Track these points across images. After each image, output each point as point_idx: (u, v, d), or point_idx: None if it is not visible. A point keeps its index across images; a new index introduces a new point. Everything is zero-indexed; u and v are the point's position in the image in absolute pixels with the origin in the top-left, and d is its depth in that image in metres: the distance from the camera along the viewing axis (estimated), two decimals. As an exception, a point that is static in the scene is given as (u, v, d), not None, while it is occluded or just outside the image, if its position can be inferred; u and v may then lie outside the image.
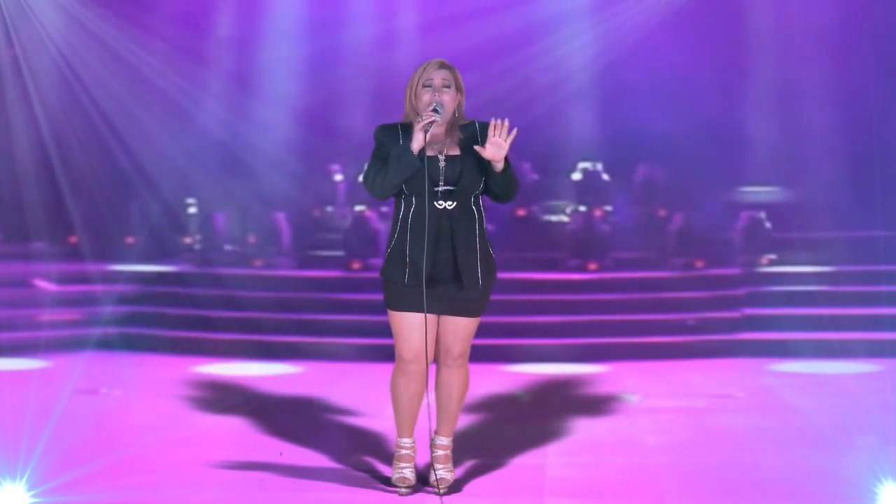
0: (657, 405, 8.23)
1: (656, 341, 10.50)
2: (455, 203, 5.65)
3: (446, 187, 5.65)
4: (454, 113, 5.69)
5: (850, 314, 10.50)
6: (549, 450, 6.83)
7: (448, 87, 5.66)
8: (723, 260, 12.01)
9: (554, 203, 13.20)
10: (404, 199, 5.71)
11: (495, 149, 5.57)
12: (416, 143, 5.55)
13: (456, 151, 5.68)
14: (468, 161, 5.64)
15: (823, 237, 11.90)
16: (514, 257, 11.46)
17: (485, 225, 5.76)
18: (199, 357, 10.10)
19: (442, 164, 5.66)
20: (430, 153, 5.66)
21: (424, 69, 5.69)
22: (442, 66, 5.69)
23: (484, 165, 5.67)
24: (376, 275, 5.85)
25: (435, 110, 5.57)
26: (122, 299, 11.12)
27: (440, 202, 5.66)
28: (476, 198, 5.71)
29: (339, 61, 12.79)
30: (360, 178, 5.74)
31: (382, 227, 11.82)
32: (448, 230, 5.64)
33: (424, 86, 5.66)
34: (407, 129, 5.70)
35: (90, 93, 12.25)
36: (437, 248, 5.65)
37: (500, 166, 5.61)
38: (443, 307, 5.70)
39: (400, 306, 5.70)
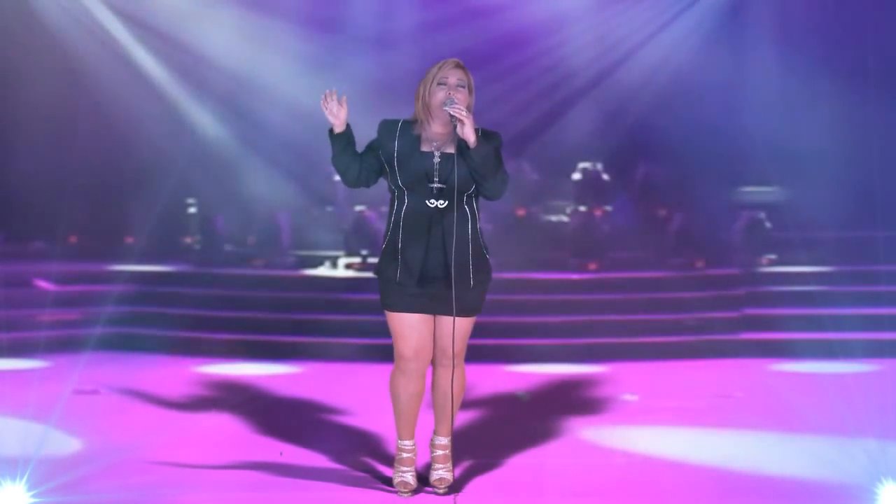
0: (657, 405, 8.22)
1: (656, 341, 10.49)
2: (447, 202, 5.65)
3: (440, 185, 5.65)
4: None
5: (850, 314, 10.49)
6: (549, 450, 6.83)
7: (462, 87, 5.67)
8: (723, 260, 12.01)
9: (554, 203, 13.20)
10: (398, 195, 5.72)
11: (458, 123, 5.55)
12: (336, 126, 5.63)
13: (452, 150, 5.68)
14: (461, 161, 5.63)
15: (823, 237, 11.90)
16: (514, 257, 11.46)
17: (479, 225, 5.75)
18: (199, 357, 10.10)
19: (437, 160, 5.67)
20: (426, 149, 5.68)
21: (440, 68, 5.70)
22: (458, 66, 5.71)
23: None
24: (375, 275, 5.84)
25: (445, 104, 5.58)
26: (122, 299, 11.11)
27: (433, 200, 5.67)
28: (470, 198, 5.71)
29: (340, 61, 12.79)
30: None
31: (383, 226, 11.81)
32: (440, 229, 5.65)
33: (439, 84, 5.67)
34: (408, 126, 5.73)
35: (90, 93, 12.26)
36: (428, 246, 5.66)
37: (471, 139, 5.57)
38: (437, 307, 5.70)
39: (395, 307, 5.71)
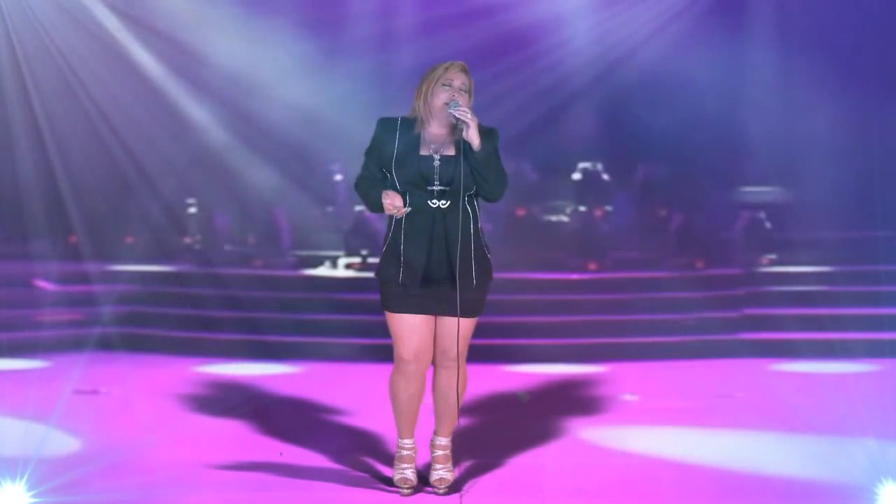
0: (657, 405, 8.23)
1: (656, 341, 10.49)
2: (449, 202, 5.65)
3: (440, 187, 5.65)
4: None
5: (850, 314, 10.49)
6: (549, 450, 6.83)
7: (465, 91, 5.68)
8: (723, 260, 12.01)
9: (554, 203, 13.20)
10: (398, 197, 5.73)
11: (463, 126, 5.55)
12: (388, 207, 5.61)
13: (451, 152, 5.68)
14: (464, 161, 5.63)
15: (823, 237, 11.90)
16: (514, 257, 11.46)
17: (479, 225, 5.76)
18: (199, 357, 10.10)
19: (437, 163, 5.67)
20: (425, 152, 5.68)
21: (447, 69, 5.70)
22: (464, 70, 5.72)
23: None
24: (376, 276, 5.83)
25: (450, 107, 5.60)
26: (122, 299, 11.11)
27: (434, 201, 5.67)
28: (470, 197, 5.71)
29: (339, 61, 12.79)
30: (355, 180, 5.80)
31: (382, 226, 11.82)
32: (442, 230, 5.65)
33: (444, 84, 5.67)
34: (407, 124, 5.72)
35: (90, 93, 12.26)
36: (430, 247, 5.66)
37: (476, 142, 5.57)
38: (439, 308, 5.70)
39: (397, 308, 5.71)
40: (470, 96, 5.72)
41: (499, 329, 10.18)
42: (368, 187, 5.73)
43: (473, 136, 5.57)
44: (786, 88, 12.42)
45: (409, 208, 5.63)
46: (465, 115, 5.56)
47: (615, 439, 7.13)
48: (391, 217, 5.74)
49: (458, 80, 5.69)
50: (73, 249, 12.13)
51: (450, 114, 5.60)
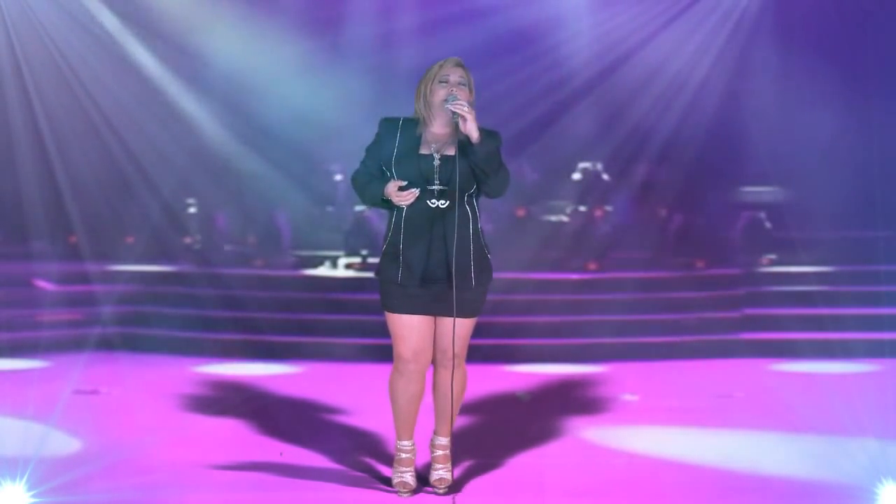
0: (657, 405, 8.23)
1: (656, 341, 10.50)
2: (448, 202, 5.65)
3: (440, 186, 5.65)
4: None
5: (850, 314, 10.49)
6: (549, 450, 6.83)
7: (463, 85, 5.68)
8: (723, 260, 12.01)
9: (554, 203, 13.20)
10: (398, 197, 5.73)
11: (460, 120, 5.55)
12: (391, 195, 5.59)
13: (452, 152, 5.68)
14: (463, 161, 5.64)
15: (823, 237, 11.91)
16: (514, 257, 11.46)
17: (479, 225, 5.75)
18: (199, 357, 10.11)
19: (437, 163, 5.67)
20: (425, 152, 5.68)
21: (441, 66, 5.71)
22: (458, 64, 5.73)
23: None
24: (376, 276, 5.83)
25: (447, 101, 5.59)
26: (122, 299, 11.11)
27: (433, 201, 5.66)
28: (470, 197, 5.71)
29: (339, 61, 12.79)
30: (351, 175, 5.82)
31: (382, 226, 11.82)
32: (441, 230, 5.65)
33: (440, 82, 5.68)
34: (408, 124, 5.73)
35: (90, 93, 12.26)
36: (430, 247, 5.66)
37: (475, 135, 5.57)
38: (439, 308, 5.70)
39: (396, 308, 5.70)
40: (470, 90, 5.71)
41: (499, 329, 10.18)
42: (366, 182, 5.74)
43: (471, 129, 5.56)
44: (786, 89, 12.43)
45: (418, 190, 5.62)
46: (462, 108, 5.55)
47: (615, 439, 7.13)
48: (391, 217, 5.74)
49: (455, 74, 5.69)
50: (73, 249, 12.13)
51: (447, 108, 5.60)
